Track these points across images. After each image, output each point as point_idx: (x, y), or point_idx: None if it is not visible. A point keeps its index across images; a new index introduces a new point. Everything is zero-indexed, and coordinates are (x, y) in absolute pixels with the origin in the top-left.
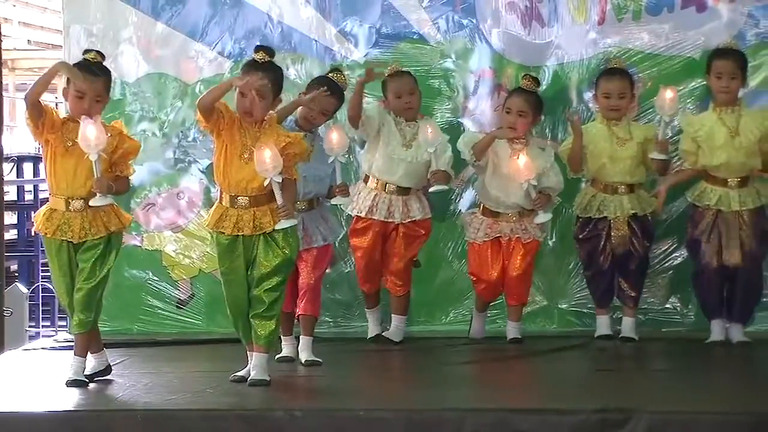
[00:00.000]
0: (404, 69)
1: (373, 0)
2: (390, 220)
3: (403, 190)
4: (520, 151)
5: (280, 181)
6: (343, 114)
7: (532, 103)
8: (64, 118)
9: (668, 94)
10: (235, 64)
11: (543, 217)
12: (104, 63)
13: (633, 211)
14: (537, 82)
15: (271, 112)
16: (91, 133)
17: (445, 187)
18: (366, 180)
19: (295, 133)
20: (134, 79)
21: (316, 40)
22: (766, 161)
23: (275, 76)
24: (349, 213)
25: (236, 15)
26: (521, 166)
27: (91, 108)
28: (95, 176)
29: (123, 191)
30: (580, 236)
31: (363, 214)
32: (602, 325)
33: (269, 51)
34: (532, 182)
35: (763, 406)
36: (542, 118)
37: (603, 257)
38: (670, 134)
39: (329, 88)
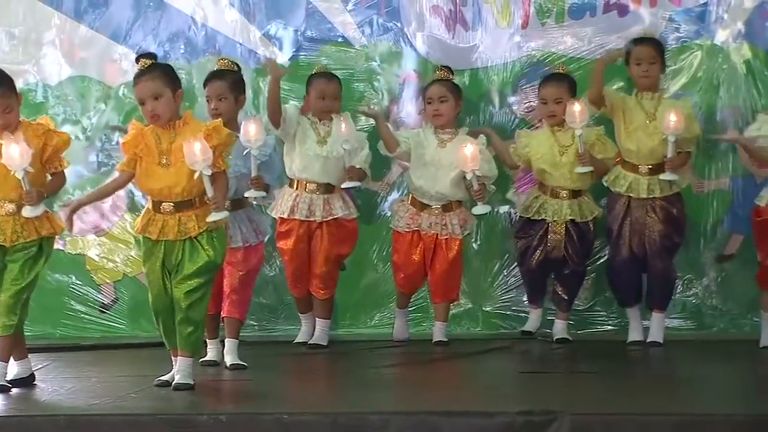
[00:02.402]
0: (333, 72)
1: (297, 3)
2: (311, 218)
3: (323, 188)
4: (449, 141)
5: (210, 174)
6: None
7: (450, 88)
8: None
9: (576, 107)
10: None
11: (482, 208)
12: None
13: (571, 217)
14: (450, 71)
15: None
16: (14, 152)
17: (359, 184)
18: (290, 183)
19: (212, 121)
20: (57, 82)
21: (240, 43)
22: (681, 152)
23: (164, 72)
24: (273, 216)
25: (160, 18)
26: (468, 156)
27: (6, 121)
28: (24, 190)
29: (59, 186)
30: (517, 234)
31: (285, 216)
32: (530, 321)
33: (152, 55)
34: (477, 172)
35: (683, 407)
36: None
37: (534, 258)
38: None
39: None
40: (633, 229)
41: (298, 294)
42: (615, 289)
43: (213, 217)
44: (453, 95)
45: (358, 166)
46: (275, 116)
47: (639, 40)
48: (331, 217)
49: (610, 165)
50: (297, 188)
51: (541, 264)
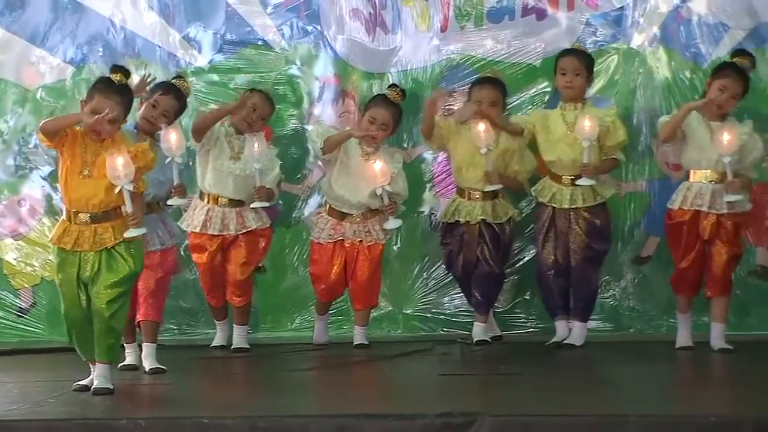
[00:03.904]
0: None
1: (217, 6)
2: (226, 233)
3: (236, 203)
4: (372, 154)
5: (131, 189)
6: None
7: (396, 116)
8: None
9: (480, 127)
10: (77, 69)
11: (393, 223)
12: None
13: (482, 218)
14: (404, 94)
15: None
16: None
17: (267, 204)
18: (201, 196)
19: (139, 144)
20: None
21: (159, 46)
22: (607, 159)
23: (128, 99)
24: (184, 229)
25: (78, 20)
26: (377, 171)
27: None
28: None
29: None
30: (443, 240)
31: (198, 230)
32: (476, 331)
33: (126, 72)
34: (387, 188)
35: (600, 407)
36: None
37: (458, 262)
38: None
39: (171, 89)
40: (557, 239)
41: (215, 303)
42: (545, 301)
43: (131, 233)
44: (394, 124)
45: (267, 186)
46: (202, 133)
47: (565, 52)
48: (245, 230)
49: (523, 179)
50: (208, 201)
51: (465, 267)
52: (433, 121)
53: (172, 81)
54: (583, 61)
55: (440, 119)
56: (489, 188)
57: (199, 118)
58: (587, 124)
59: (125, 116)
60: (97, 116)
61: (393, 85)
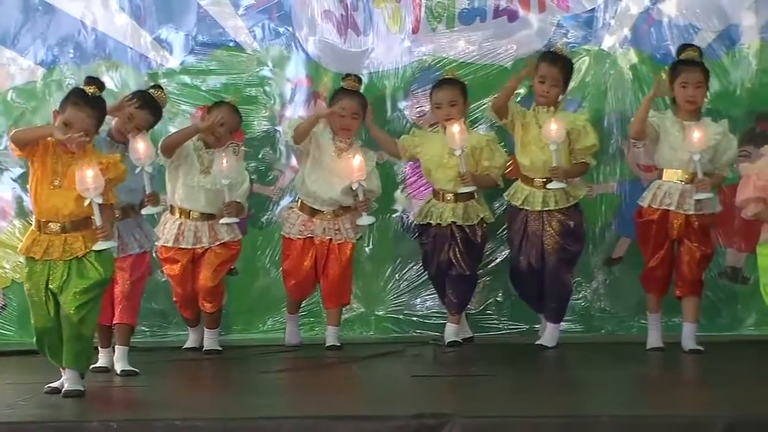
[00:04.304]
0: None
1: (188, 7)
2: (199, 246)
3: (208, 216)
4: (345, 150)
5: (101, 201)
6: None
7: (363, 104)
8: None
9: (456, 128)
10: (48, 71)
11: (366, 219)
12: None
13: (453, 220)
14: (360, 81)
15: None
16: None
17: (236, 220)
18: (171, 210)
19: (110, 156)
20: None
21: (131, 48)
22: (577, 163)
23: (100, 112)
24: (156, 244)
25: (49, 22)
26: (355, 166)
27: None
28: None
29: None
30: (420, 242)
31: (170, 244)
32: (448, 332)
33: (100, 84)
34: (363, 183)
35: (572, 408)
36: None
37: (434, 263)
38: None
39: (148, 103)
40: (530, 242)
41: (188, 315)
42: (522, 299)
43: (100, 246)
44: (363, 112)
45: (237, 200)
46: (171, 151)
47: (547, 58)
48: (218, 243)
49: (496, 176)
50: (180, 216)
51: (439, 267)
52: (390, 138)
53: (150, 91)
54: (563, 70)
55: (402, 138)
56: (463, 190)
57: (168, 138)
58: (553, 127)
59: (97, 129)
60: (68, 135)
61: (347, 75)
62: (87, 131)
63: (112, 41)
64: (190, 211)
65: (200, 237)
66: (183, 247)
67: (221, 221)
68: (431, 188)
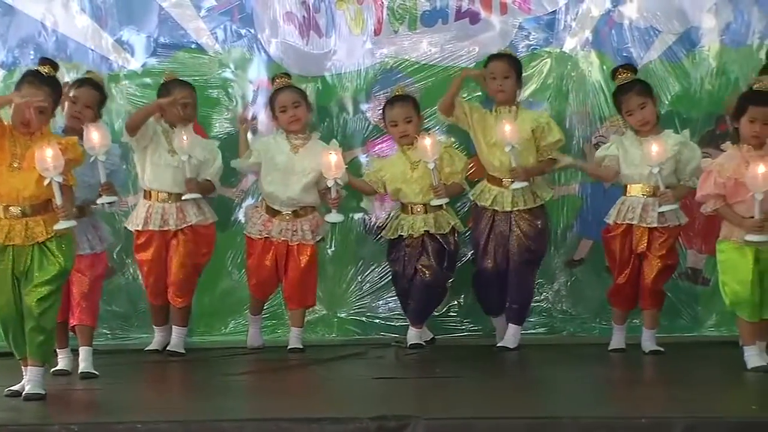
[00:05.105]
0: (184, 79)
1: (150, 9)
2: (166, 228)
3: (175, 197)
4: (302, 147)
5: (61, 181)
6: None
7: (302, 95)
8: None
9: (427, 141)
10: (8, 73)
11: (336, 216)
12: None
13: (425, 229)
14: (288, 75)
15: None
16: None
17: (198, 196)
18: (145, 195)
19: (68, 137)
20: None
21: (92, 49)
22: (544, 160)
23: (56, 92)
24: (129, 228)
25: (9, 23)
26: (332, 164)
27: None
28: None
29: None
30: (389, 257)
31: (140, 228)
32: (410, 335)
33: (54, 65)
34: (339, 180)
35: (533, 410)
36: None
37: (403, 278)
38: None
39: (84, 81)
40: (497, 242)
41: (157, 302)
42: (480, 300)
43: (61, 225)
44: (304, 100)
45: (208, 178)
46: (136, 128)
47: (493, 56)
48: (186, 225)
49: (460, 181)
50: (150, 198)
51: (409, 279)
52: (361, 180)
53: (87, 74)
54: (511, 64)
55: (368, 175)
56: (436, 202)
57: (132, 115)
58: (507, 128)
59: (53, 109)
60: (26, 99)
61: (274, 77)
62: (43, 110)
63: (73, 43)
64: (158, 192)
65: (167, 219)
66: (151, 229)
67: (183, 197)
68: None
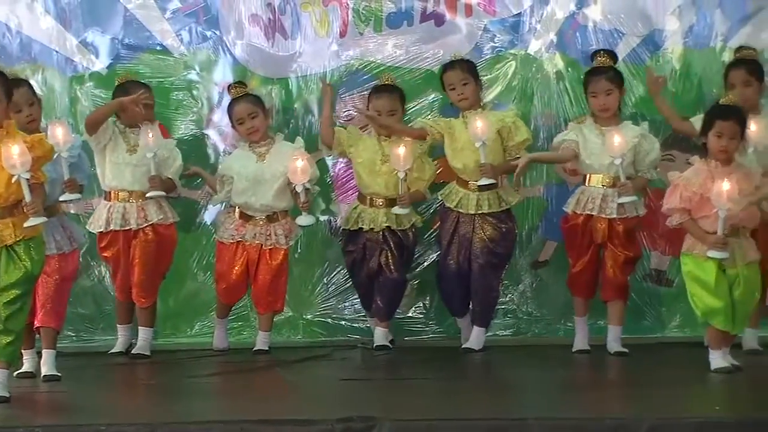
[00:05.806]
0: (143, 81)
1: (114, 10)
2: (127, 227)
3: (136, 195)
4: (267, 154)
5: (29, 177)
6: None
7: (258, 103)
8: None
9: (400, 150)
10: None
11: (306, 219)
12: None
13: (386, 224)
14: (244, 84)
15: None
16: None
17: (162, 194)
18: (105, 196)
19: (34, 134)
20: None
21: (56, 51)
22: (511, 159)
23: (5, 86)
24: (92, 231)
25: None
26: (299, 169)
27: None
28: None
29: None
30: (345, 248)
31: (102, 229)
32: (377, 336)
33: None
34: (307, 185)
35: (499, 411)
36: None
37: (362, 270)
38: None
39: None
40: (461, 243)
41: (122, 299)
42: (444, 300)
43: (31, 221)
44: (261, 108)
45: (168, 176)
46: (96, 126)
47: (446, 66)
48: (147, 224)
49: (424, 189)
50: (111, 199)
51: (368, 275)
52: (332, 127)
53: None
54: (466, 69)
55: (339, 129)
56: (398, 211)
57: (92, 113)
58: (479, 124)
59: (7, 100)
60: None
61: (230, 86)
62: None
63: (38, 44)
64: (118, 192)
65: (128, 218)
66: (113, 229)
67: (147, 195)
68: (355, 193)
